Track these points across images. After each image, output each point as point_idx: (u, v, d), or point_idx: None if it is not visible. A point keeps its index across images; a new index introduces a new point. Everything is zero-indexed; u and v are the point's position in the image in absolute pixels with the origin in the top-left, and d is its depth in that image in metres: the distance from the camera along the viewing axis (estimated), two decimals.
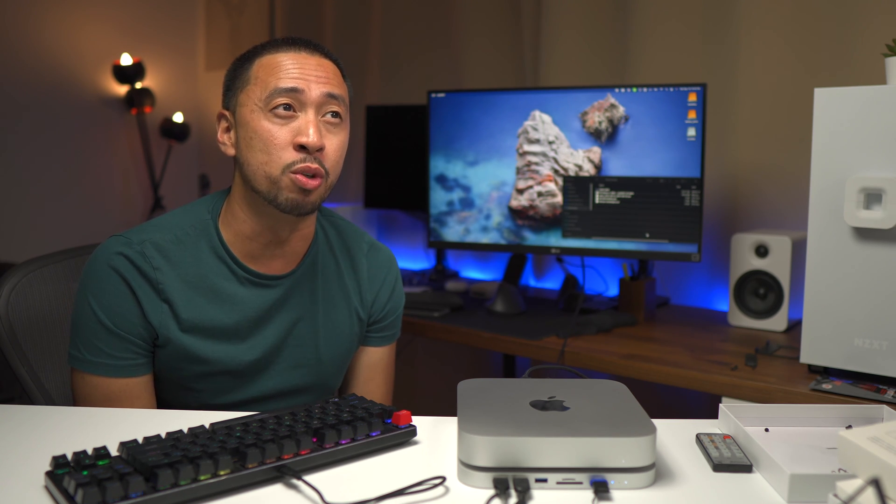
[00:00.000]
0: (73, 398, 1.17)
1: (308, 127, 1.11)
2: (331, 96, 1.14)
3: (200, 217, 1.20)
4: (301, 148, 1.11)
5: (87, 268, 1.15)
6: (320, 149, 1.12)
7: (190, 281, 1.16)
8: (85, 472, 0.78)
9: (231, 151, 1.18)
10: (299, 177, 1.11)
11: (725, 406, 1.01)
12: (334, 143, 1.15)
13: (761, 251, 1.87)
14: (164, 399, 1.21)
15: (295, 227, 1.20)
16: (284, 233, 1.19)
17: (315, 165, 1.12)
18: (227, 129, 1.19)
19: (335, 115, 1.15)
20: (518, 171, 2.04)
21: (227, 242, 1.19)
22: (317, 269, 1.26)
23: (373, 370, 1.36)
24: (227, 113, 1.18)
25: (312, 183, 1.12)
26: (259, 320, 1.20)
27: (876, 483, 0.62)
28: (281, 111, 1.11)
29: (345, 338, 1.29)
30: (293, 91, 1.11)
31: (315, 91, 1.12)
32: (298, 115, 1.12)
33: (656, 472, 0.86)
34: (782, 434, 0.98)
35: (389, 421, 0.97)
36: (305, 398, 1.26)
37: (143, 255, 1.13)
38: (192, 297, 1.15)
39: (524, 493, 0.81)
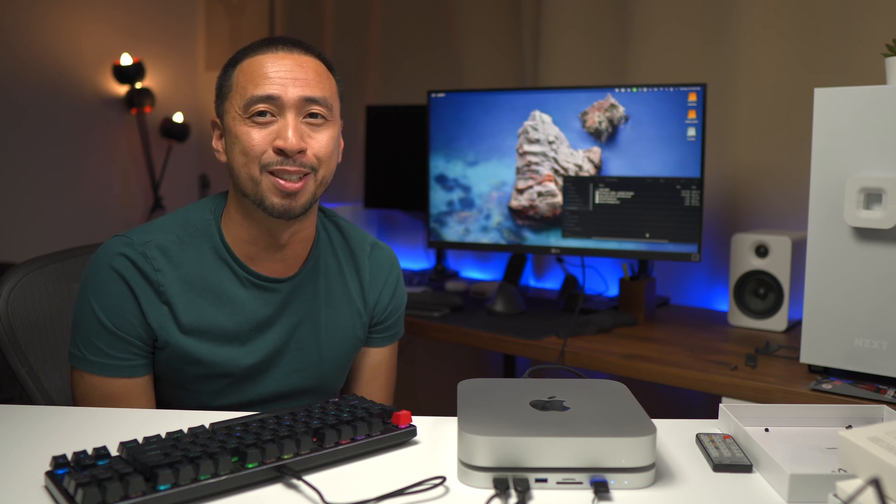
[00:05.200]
0: (72, 396, 1.17)
1: (286, 130, 1.10)
2: (309, 100, 1.12)
3: (203, 217, 1.19)
4: (280, 151, 1.10)
5: (88, 267, 1.15)
6: (300, 151, 1.11)
7: (191, 282, 1.15)
8: (85, 472, 0.78)
9: (223, 158, 1.18)
10: (278, 180, 1.10)
11: (725, 406, 1.01)
12: (320, 141, 1.14)
13: (761, 251, 1.86)
14: (164, 399, 1.20)
15: (293, 230, 1.19)
16: (283, 237, 1.18)
17: (294, 168, 1.11)
18: (220, 137, 1.19)
19: (316, 115, 1.13)
20: (518, 171, 2.04)
21: (229, 244, 1.18)
22: (319, 270, 1.26)
23: (375, 371, 1.35)
24: (217, 121, 1.19)
25: (295, 186, 1.11)
26: (261, 325, 1.19)
27: (876, 483, 0.62)
28: (258, 118, 1.11)
29: (347, 339, 1.28)
30: (269, 99, 1.10)
31: (292, 95, 1.11)
32: (277, 119, 1.11)
33: (656, 472, 0.86)
34: (782, 434, 0.98)
35: (389, 421, 0.97)
36: (306, 400, 1.26)
37: (145, 256, 1.13)
38: (192, 299, 1.15)
39: (524, 493, 0.81)
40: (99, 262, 1.14)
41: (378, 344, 1.35)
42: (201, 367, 1.16)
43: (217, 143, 1.19)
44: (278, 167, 1.10)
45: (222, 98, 1.16)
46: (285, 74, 1.11)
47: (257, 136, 1.11)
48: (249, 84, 1.11)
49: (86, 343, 1.13)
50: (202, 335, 1.15)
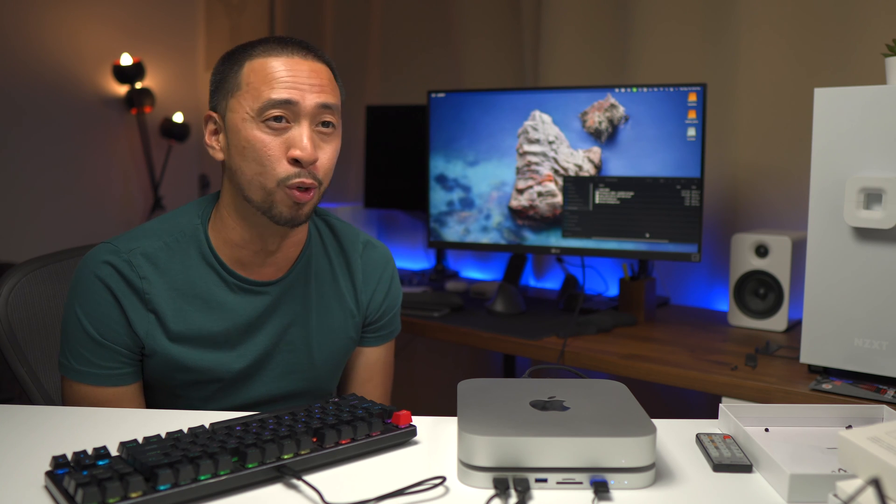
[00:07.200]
0: (63, 404, 1.16)
1: (302, 139, 1.08)
2: (325, 106, 1.11)
3: (190, 222, 1.18)
4: (295, 161, 1.09)
5: (74, 275, 1.14)
6: (314, 161, 1.10)
7: (178, 289, 1.14)
8: (85, 472, 0.78)
9: (220, 156, 1.15)
10: (295, 192, 1.09)
11: (725, 406, 1.01)
12: (328, 153, 1.13)
13: (761, 251, 1.86)
14: (155, 406, 1.20)
15: (285, 236, 1.18)
16: (274, 243, 1.17)
17: (310, 180, 1.10)
18: (216, 132, 1.16)
19: (327, 124, 1.12)
20: (518, 171, 2.04)
21: (216, 248, 1.17)
22: (310, 272, 1.24)
23: (371, 370, 1.35)
24: (215, 115, 1.15)
25: (306, 196, 1.11)
26: (249, 328, 1.18)
27: (876, 483, 0.62)
28: (273, 123, 1.09)
29: (339, 341, 1.27)
30: (287, 103, 1.08)
31: (309, 101, 1.09)
32: (292, 126, 1.10)
33: (656, 472, 0.86)
34: (782, 434, 0.98)
35: (389, 421, 0.97)
36: (299, 403, 1.25)
37: (130, 265, 1.12)
38: (180, 306, 1.14)
39: (524, 493, 0.81)
40: (84, 270, 1.13)
41: (373, 343, 1.34)
42: (191, 373, 1.15)
43: (212, 140, 1.16)
44: (296, 180, 1.09)
45: (225, 94, 1.13)
46: (303, 80, 1.10)
47: (273, 144, 1.09)
48: (264, 86, 1.09)
49: (73, 352, 1.12)
50: (190, 342, 1.14)
